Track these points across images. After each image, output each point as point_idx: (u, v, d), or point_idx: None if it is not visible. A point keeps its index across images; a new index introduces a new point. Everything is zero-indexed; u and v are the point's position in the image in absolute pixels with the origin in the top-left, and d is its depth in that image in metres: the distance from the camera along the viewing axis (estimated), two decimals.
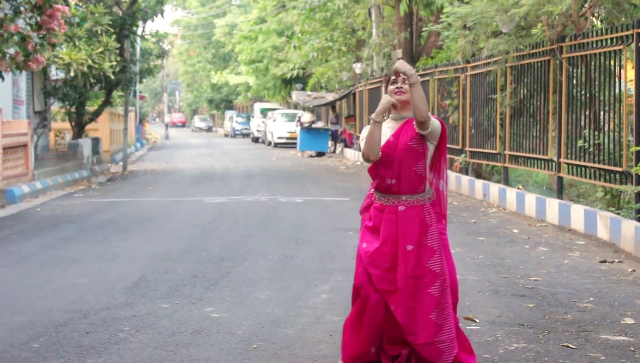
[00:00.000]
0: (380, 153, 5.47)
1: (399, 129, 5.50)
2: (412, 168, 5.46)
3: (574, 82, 13.31)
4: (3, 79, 15.32)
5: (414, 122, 5.43)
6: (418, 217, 5.47)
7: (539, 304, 7.50)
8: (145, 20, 26.88)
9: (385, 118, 5.56)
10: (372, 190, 5.66)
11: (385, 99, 5.49)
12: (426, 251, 5.45)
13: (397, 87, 5.50)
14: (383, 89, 27.29)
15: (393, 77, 5.53)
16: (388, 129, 5.54)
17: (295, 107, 47.18)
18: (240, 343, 6.23)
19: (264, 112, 51.56)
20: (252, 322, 6.85)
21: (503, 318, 6.97)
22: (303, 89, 45.83)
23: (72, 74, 21.18)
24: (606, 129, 12.26)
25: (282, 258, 9.87)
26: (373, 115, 5.46)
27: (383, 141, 5.49)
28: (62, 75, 23.07)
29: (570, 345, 6.16)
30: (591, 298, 7.76)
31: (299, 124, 36.32)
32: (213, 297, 7.79)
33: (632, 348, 6.11)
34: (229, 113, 70.95)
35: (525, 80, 15.37)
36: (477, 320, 6.88)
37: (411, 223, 5.45)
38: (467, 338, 5.64)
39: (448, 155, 20.35)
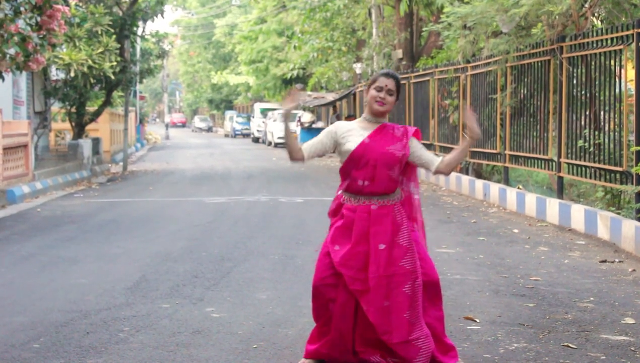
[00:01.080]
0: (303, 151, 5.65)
1: (375, 132, 5.54)
2: (387, 172, 5.49)
3: (574, 82, 13.31)
4: (3, 80, 15.32)
5: (432, 167, 5.59)
6: (390, 215, 5.49)
7: (540, 304, 7.50)
8: (145, 21, 26.89)
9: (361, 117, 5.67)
10: (340, 191, 5.67)
11: (286, 98, 5.63)
12: (399, 249, 5.47)
13: (380, 97, 5.53)
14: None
15: (379, 85, 5.55)
16: (361, 130, 5.58)
17: (296, 107, 47.15)
18: (240, 343, 6.23)
19: (264, 112, 51.57)
20: (253, 322, 6.85)
21: (503, 318, 6.97)
22: (303, 89, 45.85)
23: (72, 74, 21.19)
24: (606, 128, 12.26)
25: (283, 259, 9.87)
26: (283, 112, 5.63)
27: (355, 142, 5.53)
28: (62, 75, 23.08)
29: (570, 345, 6.16)
30: (591, 298, 7.76)
31: (299, 124, 36.32)
32: (213, 297, 7.79)
33: (632, 348, 6.11)
34: (229, 113, 70.98)
35: (526, 80, 15.37)
36: (478, 320, 6.88)
37: (383, 222, 5.47)
38: (445, 336, 5.64)
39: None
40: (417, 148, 5.59)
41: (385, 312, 5.39)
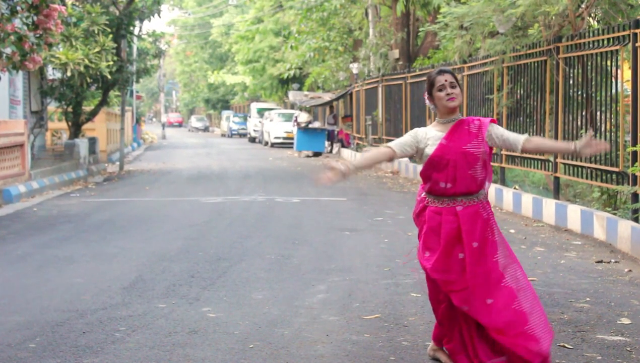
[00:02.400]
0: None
1: (451, 131, 5.48)
2: (467, 171, 5.43)
3: (571, 82, 13.33)
4: (0, 79, 15.30)
5: (518, 146, 5.47)
6: (477, 214, 5.45)
7: None
8: (142, 20, 26.87)
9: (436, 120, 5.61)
10: (424, 194, 5.63)
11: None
12: (491, 245, 5.44)
13: (447, 93, 5.47)
14: (380, 88, 27.30)
15: (440, 85, 5.49)
16: (438, 133, 5.51)
17: (292, 107, 47.20)
18: (236, 343, 6.23)
19: (260, 112, 51.55)
20: (249, 322, 6.85)
21: None
22: (300, 89, 45.84)
23: (68, 73, 21.15)
24: (603, 129, 12.27)
25: (279, 258, 9.87)
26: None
27: (435, 145, 5.47)
28: (58, 75, 23.05)
29: (566, 345, 6.16)
30: (588, 299, 7.76)
31: (295, 124, 36.31)
32: (210, 297, 7.78)
33: (628, 348, 6.12)
34: (225, 113, 70.95)
35: (522, 80, 15.39)
36: None
37: (472, 221, 5.42)
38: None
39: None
40: (498, 134, 5.50)
41: (490, 310, 5.33)
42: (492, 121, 5.55)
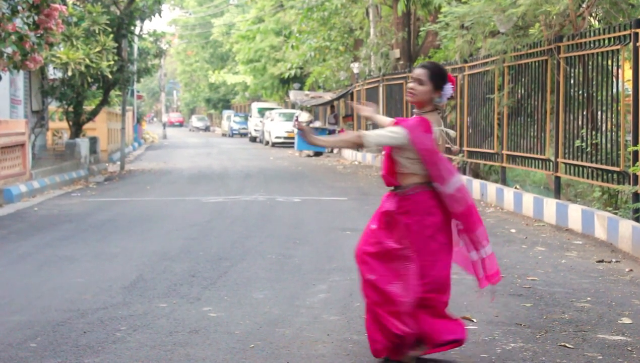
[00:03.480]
0: None
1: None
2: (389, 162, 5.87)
3: (572, 81, 13.32)
4: (0, 79, 15.31)
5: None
6: (400, 205, 5.86)
7: (537, 304, 7.51)
8: (142, 20, 26.87)
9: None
10: None
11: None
12: (397, 231, 5.86)
13: (409, 88, 5.78)
14: (381, 88, 27.30)
15: (411, 77, 5.83)
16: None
17: (293, 106, 47.18)
18: (237, 342, 6.23)
19: (261, 111, 51.55)
20: (250, 321, 6.85)
21: (500, 318, 6.97)
22: (301, 89, 45.83)
23: (69, 73, 21.16)
24: (604, 128, 12.27)
25: (280, 258, 9.87)
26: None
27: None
28: (59, 74, 23.05)
29: (567, 345, 6.16)
30: (589, 298, 7.76)
31: (296, 123, 36.31)
32: (211, 297, 7.78)
33: (629, 348, 6.12)
34: (226, 112, 70.97)
35: (523, 80, 15.38)
36: (475, 320, 6.88)
37: (391, 205, 5.92)
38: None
39: (445, 155, 20.34)
40: None
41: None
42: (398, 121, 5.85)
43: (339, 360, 5.80)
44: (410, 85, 5.73)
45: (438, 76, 5.66)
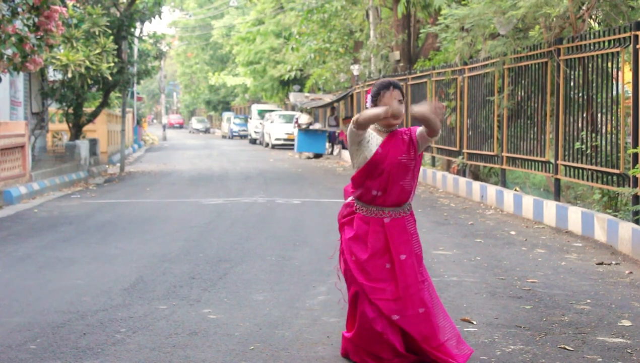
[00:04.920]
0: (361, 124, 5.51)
1: (385, 141, 5.60)
2: (399, 182, 5.57)
3: (572, 84, 13.32)
4: (0, 80, 15.31)
5: (425, 131, 5.51)
6: (404, 227, 5.62)
7: (536, 306, 7.51)
8: (142, 22, 26.87)
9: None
10: (352, 199, 5.71)
11: (391, 108, 5.47)
12: (417, 257, 5.64)
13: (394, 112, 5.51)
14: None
15: (387, 97, 5.57)
16: (378, 138, 5.62)
17: (293, 108, 47.19)
18: (237, 344, 6.23)
19: (261, 113, 51.54)
20: (250, 323, 6.85)
21: (500, 320, 6.97)
22: (301, 91, 45.83)
23: (69, 75, 21.16)
24: (604, 131, 12.27)
25: (280, 260, 9.87)
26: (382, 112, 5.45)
27: (371, 151, 5.56)
28: (59, 76, 23.05)
29: (567, 347, 6.16)
30: (588, 300, 7.76)
31: (296, 125, 36.32)
32: (210, 299, 7.78)
33: (629, 350, 6.12)
34: (226, 114, 70.96)
35: (523, 82, 15.38)
36: (474, 322, 6.88)
37: (399, 233, 5.57)
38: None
39: (446, 157, 20.45)
40: (418, 132, 5.62)
41: (421, 319, 5.51)
42: (416, 128, 5.68)
43: (339, 362, 5.79)
44: (398, 107, 5.49)
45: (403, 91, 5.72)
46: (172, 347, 6.16)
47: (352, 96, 34.43)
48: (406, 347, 5.57)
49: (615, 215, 11.52)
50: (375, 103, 5.63)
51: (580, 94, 13.05)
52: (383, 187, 5.55)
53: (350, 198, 5.74)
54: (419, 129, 5.62)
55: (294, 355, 5.96)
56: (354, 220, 5.65)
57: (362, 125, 5.51)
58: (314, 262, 9.76)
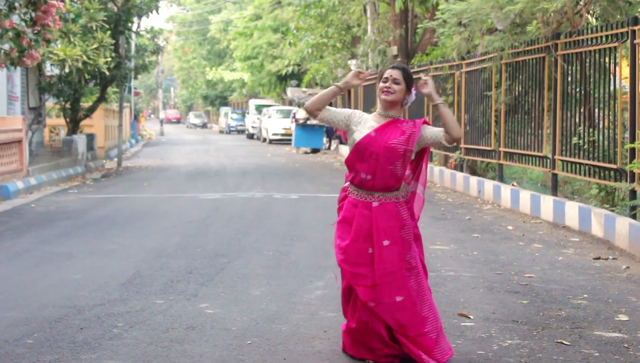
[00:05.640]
0: (319, 111, 5.69)
1: (382, 126, 5.63)
2: (388, 166, 5.56)
3: (569, 79, 13.32)
4: None
5: (444, 136, 5.58)
6: (393, 212, 5.57)
7: (533, 301, 7.52)
8: (140, 17, 26.82)
9: (374, 111, 5.71)
10: (347, 183, 5.75)
11: (350, 73, 5.71)
12: (404, 245, 5.55)
13: (385, 87, 5.66)
14: (378, 85, 27.29)
15: (385, 77, 5.69)
16: (373, 123, 5.68)
17: (291, 103, 47.16)
18: (234, 339, 6.23)
19: (259, 108, 51.49)
20: (247, 318, 6.86)
21: (497, 315, 6.98)
22: (298, 86, 45.80)
23: (66, 70, 21.13)
24: (601, 126, 12.27)
25: (277, 255, 9.87)
26: (340, 83, 5.73)
27: (364, 133, 5.61)
28: (56, 71, 23.03)
29: (564, 342, 6.17)
30: (585, 295, 7.77)
31: (294, 120, 36.30)
32: (207, 293, 7.79)
33: (625, 345, 6.13)
34: (224, 109, 70.89)
35: (520, 77, 15.38)
36: (472, 317, 6.89)
37: (386, 218, 5.54)
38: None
39: (443, 152, 20.44)
40: (426, 130, 5.65)
41: (398, 307, 5.48)
42: (425, 122, 5.71)
43: (336, 357, 5.80)
44: (387, 84, 5.65)
45: (410, 78, 5.76)
46: (169, 341, 6.16)
47: (349, 91, 34.42)
48: (390, 336, 5.56)
49: (613, 210, 11.53)
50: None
51: (578, 89, 13.05)
52: (372, 170, 5.55)
53: (347, 183, 5.78)
54: (434, 128, 5.68)
55: (291, 350, 5.96)
56: (345, 203, 5.68)
57: (309, 110, 5.69)
58: (311, 256, 9.76)
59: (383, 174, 5.55)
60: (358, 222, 5.55)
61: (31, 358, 5.77)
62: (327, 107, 5.74)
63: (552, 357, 5.81)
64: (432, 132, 5.65)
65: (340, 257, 5.56)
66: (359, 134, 5.63)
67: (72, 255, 9.85)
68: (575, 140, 12.83)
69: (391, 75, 5.66)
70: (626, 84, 11.60)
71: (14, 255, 10.01)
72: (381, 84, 5.68)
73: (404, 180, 5.65)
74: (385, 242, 5.51)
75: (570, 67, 13.22)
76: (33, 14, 14.38)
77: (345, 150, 31.88)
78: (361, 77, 5.71)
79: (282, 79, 50.02)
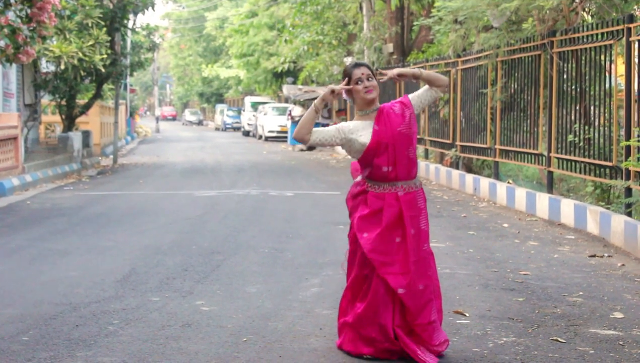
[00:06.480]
0: (310, 134, 5.63)
1: (377, 118, 5.66)
2: (405, 152, 5.60)
3: (565, 76, 13.34)
4: None
5: (435, 88, 5.71)
6: (416, 201, 5.65)
7: (529, 298, 7.53)
8: (136, 13, 26.78)
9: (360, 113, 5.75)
10: (360, 178, 5.74)
11: (326, 90, 5.66)
12: (423, 234, 5.66)
13: (365, 86, 5.66)
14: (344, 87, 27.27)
15: (357, 78, 5.67)
16: (366, 123, 5.68)
17: (286, 100, 47.13)
18: (230, 336, 6.23)
19: (254, 105, 51.47)
20: (242, 315, 6.86)
21: (493, 312, 6.98)
22: (294, 83, 45.79)
23: (62, 66, 21.10)
24: (596, 123, 12.29)
25: (273, 252, 9.87)
26: (316, 102, 5.63)
27: (365, 134, 5.62)
28: (52, 68, 23.00)
29: (559, 339, 6.18)
30: (581, 293, 7.78)
31: (289, 117, 36.28)
32: (203, 291, 7.78)
33: (621, 342, 6.14)
34: (219, 106, 70.83)
35: (516, 74, 15.39)
36: (467, 314, 6.89)
37: (412, 207, 5.61)
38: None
39: (439, 149, 20.45)
40: (415, 100, 5.77)
41: (419, 295, 5.53)
42: (406, 97, 5.78)
43: (332, 354, 5.80)
44: (366, 83, 5.64)
45: (373, 71, 5.79)
46: (165, 338, 6.16)
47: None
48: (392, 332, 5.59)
49: (608, 208, 11.54)
50: (348, 83, 5.69)
51: (573, 87, 13.06)
52: (392, 161, 5.57)
53: (359, 178, 5.76)
54: (417, 92, 5.80)
55: (286, 347, 5.96)
56: (368, 198, 5.66)
57: (298, 138, 5.65)
58: (307, 254, 9.76)
59: (403, 161, 5.58)
60: (388, 213, 5.57)
61: (27, 355, 5.76)
62: (314, 129, 5.70)
63: (548, 355, 5.81)
64: (419, 95, 5.78)
65: (369, 247, 5.55)
66: (365, 137, 5.62)
67: (67, 252, 9.84)
68: (570, 137, 12.85)
69: (363, 73, 5.67)
70: (622, 81, 11.61)
71: (10, 252, 10.00)
72: (358, 86, 5.65)
73: (416, 163, 5.72)
74: (412, 231, 5.57)
75: (565, 65, 13.23)
76: (29, 11, 14.36)
77: (340, 148, 31.83)
78: (336, 93, 5.68)
79: (278, 76, 50.00)
